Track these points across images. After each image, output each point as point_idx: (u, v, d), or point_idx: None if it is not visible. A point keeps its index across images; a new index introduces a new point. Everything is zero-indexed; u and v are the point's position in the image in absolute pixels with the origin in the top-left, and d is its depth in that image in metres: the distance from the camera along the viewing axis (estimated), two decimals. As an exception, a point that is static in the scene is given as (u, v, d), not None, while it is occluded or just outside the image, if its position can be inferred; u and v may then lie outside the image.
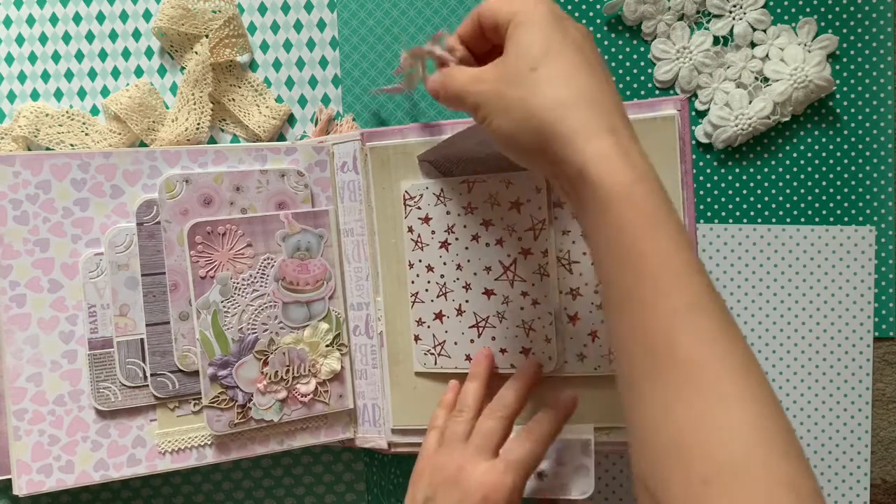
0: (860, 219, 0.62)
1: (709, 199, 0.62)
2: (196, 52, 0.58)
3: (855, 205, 0.62)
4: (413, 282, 0.55)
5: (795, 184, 0.62)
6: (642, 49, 0.62)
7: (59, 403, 0.52)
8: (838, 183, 0.62)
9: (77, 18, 0.60)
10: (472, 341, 0.54)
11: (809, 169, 0.62)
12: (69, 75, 0.60)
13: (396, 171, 0.55)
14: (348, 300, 0.57)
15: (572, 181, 0.36)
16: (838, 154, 0.62)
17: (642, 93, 0.62)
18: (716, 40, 0.61)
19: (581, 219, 0.38)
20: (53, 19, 0.60)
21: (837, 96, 0.62)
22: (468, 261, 0.54)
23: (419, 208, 0.55)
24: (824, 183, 0.62)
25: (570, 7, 0.61)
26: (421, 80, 0.49)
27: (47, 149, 0.59)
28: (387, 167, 0.55)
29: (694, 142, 0.62)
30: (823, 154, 0.62)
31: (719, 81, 0.61)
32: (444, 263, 0.54)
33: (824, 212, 0.62)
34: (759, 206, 0.62)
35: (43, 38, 0.60)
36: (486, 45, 0.43)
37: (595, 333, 0.53)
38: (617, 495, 0.63)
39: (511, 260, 0.53)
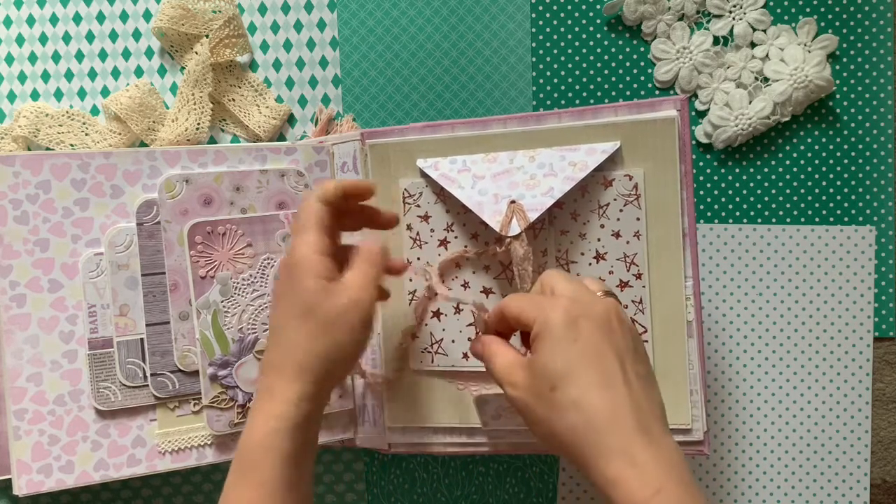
0: (860, 219, 0.62)
1: (709, 199, 0.62)
2: (196, 52, 0.58)
3: (855, 205, 0.62)
4: (410, 280, 0.55)
5: (795, 184, 0.62)
6: (642, 49, 0.62)
7: (59, 403, 0.52)
8: (838, 183, 0.62)
9: (77, 18, 0.60)
10: (469, 339, 0.54)
11: (809, 169, 0.62)
12: (69, 75, 0.60)
13: (396, 169, 0.55)
14: (348, 300, 0.57)
15: (600, 490, 0.39)
16: (838, 154, 0.62)
17: (642, 93, 0.62)
18: (716, 40, 0.61)
19: None
20: (53, 19, 0.60)
21: (837, 96, 0.62)
22: (467, 259, 0.54)
23: (418, 206, 0.55)
24: (824, 183, 0.62)
25: (570, 7, 0.61)
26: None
27: (47, 149, 0.59)
28: (386, 164, 0.55)
29: (694, 142, 0.62)
30: (823, 154, 0.62)
31: (719, 81, 0.61)
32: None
33: (824, 212, 0.62)
34: (759, 206, 0.62)
35: (43, 38, 0.60)
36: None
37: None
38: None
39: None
